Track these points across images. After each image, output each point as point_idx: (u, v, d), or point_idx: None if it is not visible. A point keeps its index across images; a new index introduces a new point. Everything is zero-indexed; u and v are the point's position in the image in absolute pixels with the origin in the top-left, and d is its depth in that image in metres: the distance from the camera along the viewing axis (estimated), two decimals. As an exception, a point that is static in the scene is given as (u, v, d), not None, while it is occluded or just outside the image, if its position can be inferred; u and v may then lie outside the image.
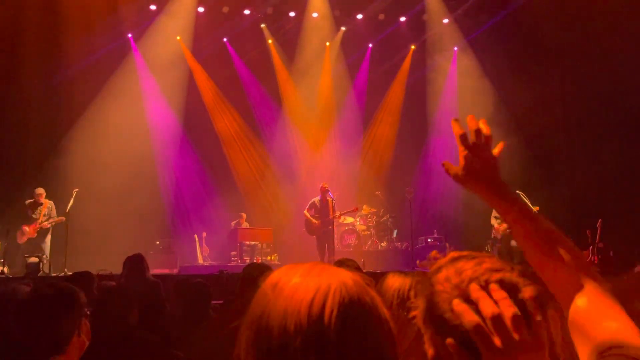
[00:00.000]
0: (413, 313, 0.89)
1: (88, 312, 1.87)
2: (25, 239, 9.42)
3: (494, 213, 10.64)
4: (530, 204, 9.94)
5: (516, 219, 1.15)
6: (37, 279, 7.37)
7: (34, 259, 8.60)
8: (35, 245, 9.40)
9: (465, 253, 0.93)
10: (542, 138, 12.18)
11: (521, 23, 12.13)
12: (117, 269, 7.74)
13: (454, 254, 0.93)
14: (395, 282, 1.80)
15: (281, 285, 0.82)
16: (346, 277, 0.83)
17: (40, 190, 9.65)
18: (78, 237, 9.85)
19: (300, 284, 0.81)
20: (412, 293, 1.78)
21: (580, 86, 11.61)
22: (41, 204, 9.57)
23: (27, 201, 9.67)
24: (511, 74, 12.15)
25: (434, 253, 0.95)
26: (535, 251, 1.11)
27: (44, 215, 9.53)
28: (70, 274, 8.10)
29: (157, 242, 11.64)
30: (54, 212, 9.65)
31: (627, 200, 10.90)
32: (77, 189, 9.75)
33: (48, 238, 9.59)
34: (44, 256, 9.13)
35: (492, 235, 10.69)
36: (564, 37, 11.33)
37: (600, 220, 10.13)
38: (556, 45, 11.46)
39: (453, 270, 0.88)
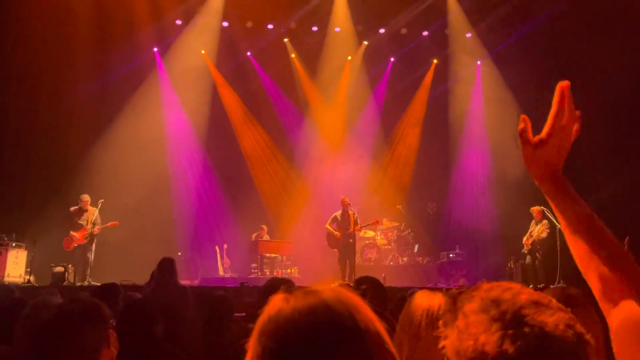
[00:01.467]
0: (443, 343, 0.88)
1: (114, 323, 1.91)
2: (74, 245, 9.46)
3: (530, 229, 10.50)
4: (554, 219, 9.80)
5: (572, 221, 1.15)
6: (62, 288, 7.49)
7: (59, 269, 8.74)
8: (79, 251, 9.47)
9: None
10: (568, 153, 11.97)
11: (545, 37, 12.05)
12: (139, 279, 7.86)
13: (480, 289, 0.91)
14: (424, 301, 1.78)
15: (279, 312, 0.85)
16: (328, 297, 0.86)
17: (87, 197, 9.74)
18: (102, 248, 9.99)
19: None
20: (441, 313, 1.76)
21: (605, 100, 11.45)
22: (87, 210, 9.66)
23: (72, 208, 9.75)
24: (535, 88, 12.05)
25: (462, 281, 0.95)
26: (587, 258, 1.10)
27: (91, 222, 9.59)
28: (96, 284, 8.25)
29: (179, 254, 11.75)
30: (98, 219, 9.69)
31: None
32: (102, 200, 9.88)
33: (94, 245, 9.61)
34: (69, 265, 9.25)
35: (522, 250, 10.58)
36: (588, 52, 11.21)
37: (627, 239, 9.91)
38: (580, 59, 11.33)
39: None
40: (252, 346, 0.85)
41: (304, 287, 0.90)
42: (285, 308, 0.84)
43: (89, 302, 1.88)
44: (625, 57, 10.62)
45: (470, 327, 0.84)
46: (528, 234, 10.44)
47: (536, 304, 0.83)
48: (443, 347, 0.89)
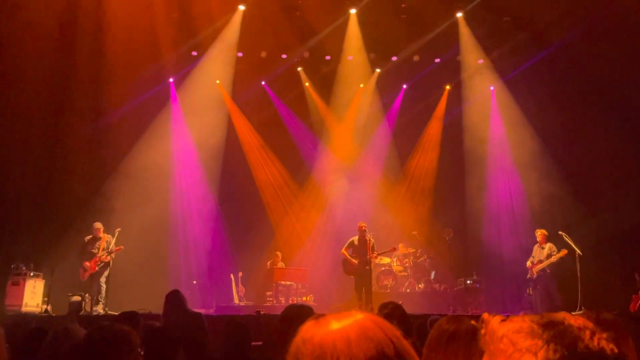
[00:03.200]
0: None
1: (142, 352, 1.90)
2: (87, 275, 9.51)
3: (533, 253, 10.34)
4: (573, 244, 9.65)
5: None
6: (80, 318, 7.49)
7: (76, 298, 8.76)
8: (94, 280, 9.48)
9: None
10: (585, 177, 11.87)
11: (559, 64, 12.08)
12: (155, 308, 7.84)
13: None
14: (450, 327, 1.78)
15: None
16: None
17: (98, 225, 9.84)
18: (117, 276, 10.02)
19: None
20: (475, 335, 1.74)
21: (623, 124, 11.39)
22: (100, 238, 9.74)
23: (86, 237, 9.83)
24: (551, 113, 12.07)
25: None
26: None
27: (103, 250, 9.65)
28: (113, 313, 8.25)
29: (194, 282, 11.74)
30: (114, 247, 9.73)
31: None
32: (119, 229, 9.95)
33: (106, 272, 9.64)
34: (86, 295, 9.25)
35: (527, 276, 10.35)
36: (604, 77, 11.20)
37: (637, 274, 9.76)
38: (597, 84, 11.31)
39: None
40: None
41: (332, 314, 0.94)
42: (320, 330, 0.89)
43: (118, 331, 1.87)
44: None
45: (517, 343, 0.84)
46: (532, 258, 10.24)
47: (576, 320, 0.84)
48: None
